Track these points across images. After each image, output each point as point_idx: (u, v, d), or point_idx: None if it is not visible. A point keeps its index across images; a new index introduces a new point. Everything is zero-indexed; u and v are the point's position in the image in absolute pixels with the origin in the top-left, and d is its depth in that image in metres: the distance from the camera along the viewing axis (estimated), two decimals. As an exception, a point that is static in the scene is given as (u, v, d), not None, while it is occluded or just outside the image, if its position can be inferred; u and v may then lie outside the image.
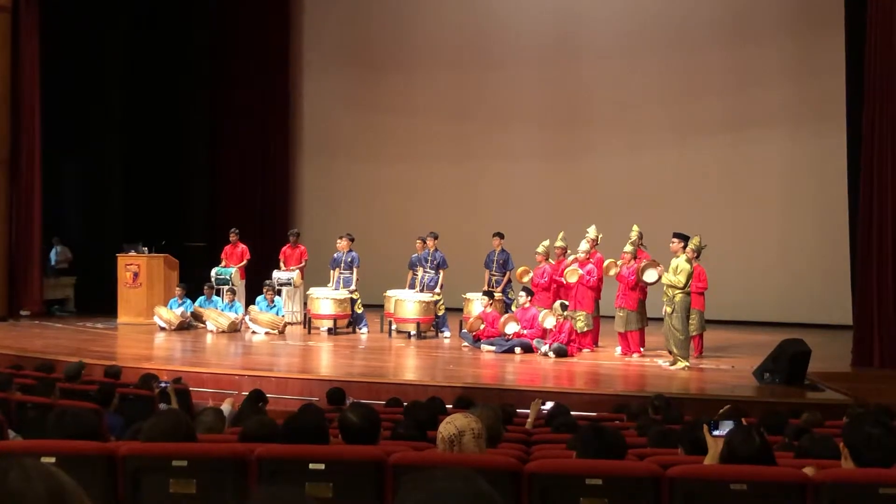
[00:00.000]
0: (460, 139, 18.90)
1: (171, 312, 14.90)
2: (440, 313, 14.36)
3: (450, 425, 3.96)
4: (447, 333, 14.42)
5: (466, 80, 18.80)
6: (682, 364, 11.49)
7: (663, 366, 11.79)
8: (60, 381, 8.24)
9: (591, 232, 13.37)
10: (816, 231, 16.33)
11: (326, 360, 12.82)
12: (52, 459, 4.00)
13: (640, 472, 4.03)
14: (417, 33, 19.28)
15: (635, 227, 12.90)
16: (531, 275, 13.81)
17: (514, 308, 13.89)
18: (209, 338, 14.34)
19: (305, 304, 15.30)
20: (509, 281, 14.43)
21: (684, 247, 11.68)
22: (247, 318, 14.89)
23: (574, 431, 5.84)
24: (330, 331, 14.47)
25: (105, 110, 18.49)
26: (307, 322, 14.87)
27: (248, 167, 19.72)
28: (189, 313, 15.04)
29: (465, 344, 13.46)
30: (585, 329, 12.92)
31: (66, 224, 18.43)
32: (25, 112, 16.26)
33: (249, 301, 15.55)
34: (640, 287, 12.49)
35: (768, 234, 16.81)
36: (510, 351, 12.82)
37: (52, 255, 17.95)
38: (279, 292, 15.46)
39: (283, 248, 16.12)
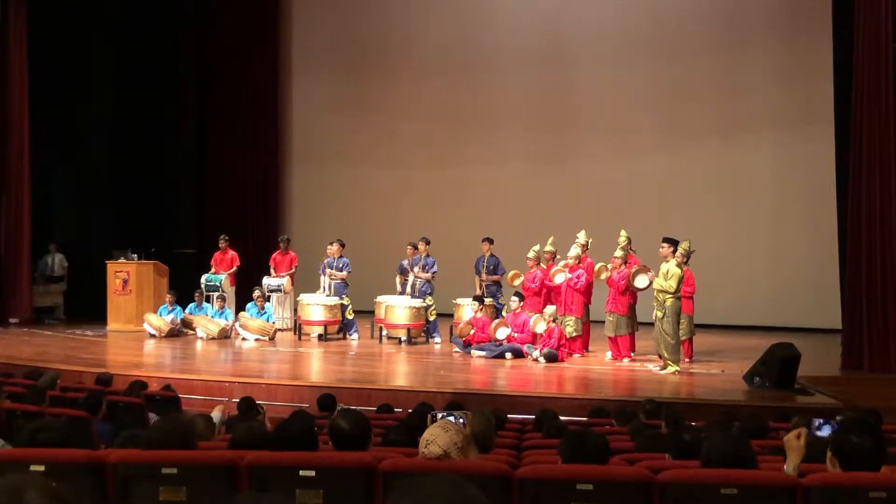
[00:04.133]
0: (450, 144, 18.92)
1: (160, 319, 14.86)
2: (431, 319, 14.35)
3: (433, 445, 3.89)
4: (438, 339, 14.41)
5: (457, 85, 18.81)
6: (672, 368, 11.51)
7: (653, 370, 11.81)
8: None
9: (581, 237, 13.38)
10: (806, 235, 16.39)
11: (317, 367, 12.80)
12: (42, 468, 3.99)
13: (631, 476, 4.04)
14: (407, 38, 19.30)
15: (623, 232, 12.91)
16: (521, 279, 13.83)
17: (504, 313, 13.90)
18: (199, 345, 14.30)
19: (296, 310, 15.28)
20: (499, 285, 14.42)
21: (674, 251, 11.71)
22: (237, 324, 14.86)
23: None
24: (320, 337, 14.46)
25: (93, 116, 18.44)
26: (297, 328, 14.85)
27: (238, 173, 19.68)
28: (179, 320, 15.00)
29: (456, 349, 13.45)
30: (575, 334, 12.93)
31: (55, 231, 18.36)
32: (14, 119, 16.22)
33: (239, 307, 15.52)
34: (631, 292, 12.52)
35: (758, 238, 16.86)
36: (501, 356, 12.81)
37: (48, 262, 17.89)
38: (269, 299, 15.44)
39: (274, 255, 16.11)
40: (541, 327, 12.82)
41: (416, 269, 14.37)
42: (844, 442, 3.97)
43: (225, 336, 14.67)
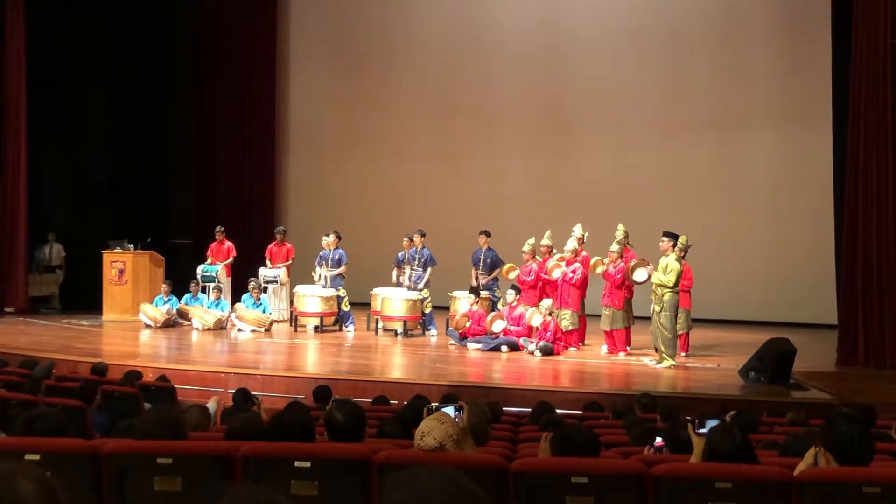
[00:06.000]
0: (447, 137, 18.89)
1: (156, 310, 14.86)
2: (427, 311, 14.35)
3: (428, 437, 3.89)
4: (434, 331, 14.41)
5: (454, 78, 18.79)
6: (668, 362, 11.51)
7: (649, 364, 11.82)
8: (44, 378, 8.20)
9: (578, 231, 13.39)
10: (802, 230, 16.39)
11: (313, 358, 12.80)
12: (37, 457, 3.99)
13: (626, 470, 4.04)
14: (405, 31, 19.27)
15: (621, 226, 12.93)
16: (517, 272, 13.83)
17: (500, 306, 13.91)
18: (195, 335, 14.30)
19: (292, 301, 15.28)
20: (496, 278, 14.41)
21: (674, 245, 11.70)
22: (233, 315, 14.85)
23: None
24: (316, 328, 14.45)
25: (90, 108, 18.40)
26: (293, 320, 14.85)
27: (234, 164, 19.66)
28: (175, 311, 15.00)
29: (452, 342, 13.46)
30: (571, 327, 12.95)
31: (52, 220, 18.33)
32: (11, 110, 16.18)
33: (235, 299, 15.51)
34: (627, 285, 12.53)
35: (754, 234, 16.87)
36: (496, 349, 12.83)
37: (46, 252, 17.87)
38: (265, 290, 15.43)
39: (270, 246, 16.10)
40: (537, 320, 12.82)
41: (410, 269, 14.35)
42: (834, 434, 4.00)
43: (221, 327, 14.67)
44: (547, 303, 12.89)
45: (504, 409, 7.96)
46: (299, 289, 14.78)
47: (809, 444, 4.24)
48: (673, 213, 15.99)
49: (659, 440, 4.89)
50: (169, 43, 19.33)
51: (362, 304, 15.37)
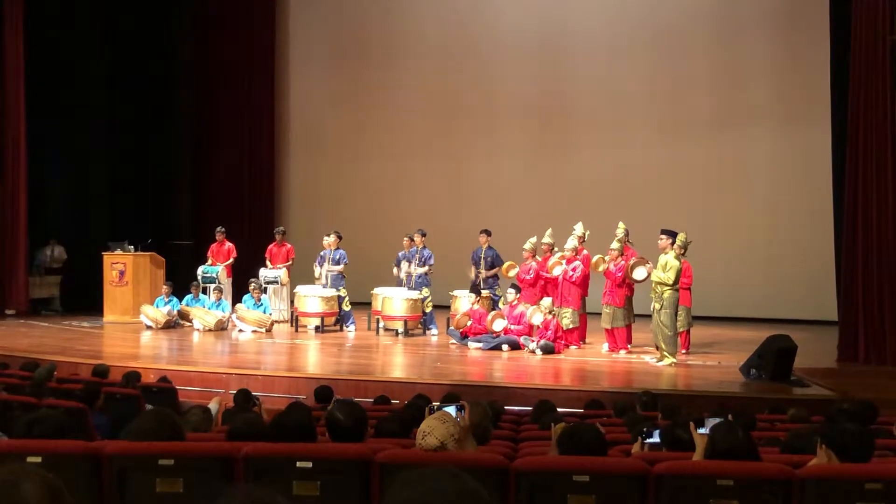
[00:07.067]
0: (447, 136, 18.90)
1: (157, 311, 14.86)
2: (428, 310, 14.35)
3: (430, 437, 3.90)
4: (434, 331, 14.41)
5: (454, 78, 18.80)
6: (668, 360, 11.52)
7: (650, 362, 11.82)
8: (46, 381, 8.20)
9: (579, 229, 13.40)
10: (802, 227, 16.40)
11: (314, 358, 12.79)
12: (39, 459, 3.99)
13: (627, 468, 4.04)
14: (404, 31, 19.27)
15: (621, 224, 12.94)
16: (517, 270, 13.83)
17: (501, 305, 13.91)
18: (196, 336, 14.30)
19: (292, 302, 15.28)
20: (496, 276, 14.40)
21: (672, 243, 11.70)
22: (234, 316, 14.85)
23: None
24: (317, 329, 14.46)
25: (90, 108, 18.38)
26: (294, 320, 14.86)
27: (235, 165, 19.67)
28: (175, 312, 15.01)
29: (453, 341, 13.46)
30: (571, 326, 12.95)
31: (52, 222, 18.32)
32: (10, 110, 16.18)
33: (236, 299, 15.52)
34: (627, 284, 12.53)
35: (754, 231, 16.88)
36: (497, 348, 12.82)
37: (48, 254, 17.85)
38: (266, 290, 15.43)
39: (270, 247, 16.10)
40: (537, 319, 12.82)
41: (412, 265, 14.33)
42: (835, 431, 4.01)
43: (221, 328, 14.67)
44: (547, 301, 12.89)
45: (505, 407, 7.96)
46: (300, 289, 14.79)
47: (812, 442, 4.24)
48: (673, 211, 16.00)
49: (656, 437, 4.86)
50: (169, 44, 19.30)
51: (363, 304, 15.37)
